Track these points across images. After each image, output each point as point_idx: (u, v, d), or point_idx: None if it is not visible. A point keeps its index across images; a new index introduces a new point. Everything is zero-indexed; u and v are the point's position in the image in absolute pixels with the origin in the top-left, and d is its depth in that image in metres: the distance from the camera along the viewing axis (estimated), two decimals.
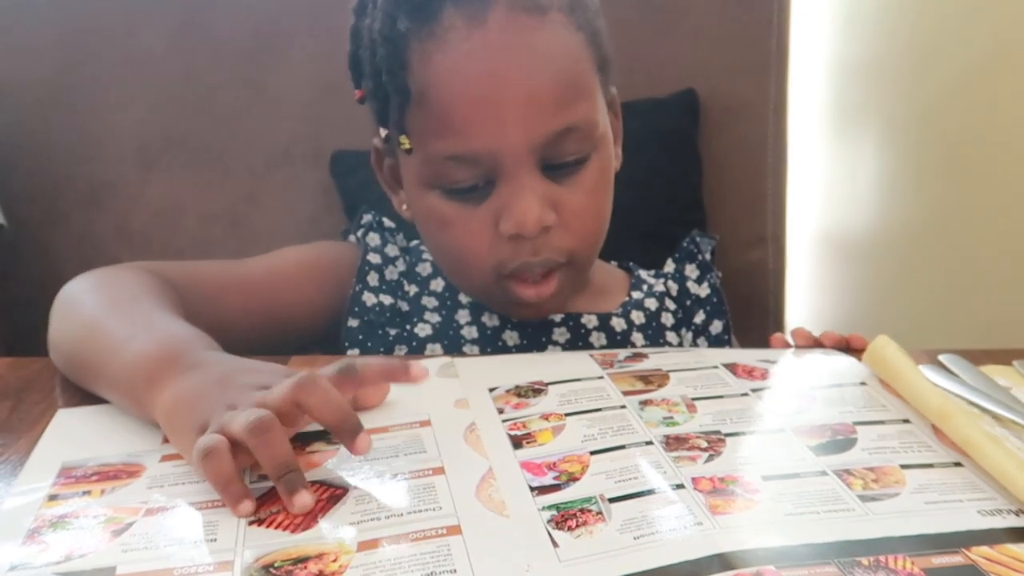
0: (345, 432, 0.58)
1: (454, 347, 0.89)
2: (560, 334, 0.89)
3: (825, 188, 1.56)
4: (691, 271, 0.98)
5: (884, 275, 1.51)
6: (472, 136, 0.76)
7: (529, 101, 0.76)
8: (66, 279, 0.81)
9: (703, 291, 0.96)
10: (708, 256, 0.98)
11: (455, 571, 0.50)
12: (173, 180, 1.25)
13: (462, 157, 0.77)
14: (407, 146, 0.78)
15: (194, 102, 1.23)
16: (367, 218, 0.96)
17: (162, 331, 0.69)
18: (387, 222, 0.96)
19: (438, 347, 0.88)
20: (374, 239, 0.94)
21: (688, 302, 0.96)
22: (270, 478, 0.56)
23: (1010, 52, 1.26)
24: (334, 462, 0.60)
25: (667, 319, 0.94)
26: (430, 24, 0.76)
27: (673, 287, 0.97)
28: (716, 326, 0.95)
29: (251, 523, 0.54)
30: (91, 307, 0.76)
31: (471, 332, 0.89)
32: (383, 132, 0.81)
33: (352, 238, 0.97)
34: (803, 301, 1.56)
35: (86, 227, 1.25)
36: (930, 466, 0.60)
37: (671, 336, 0.93)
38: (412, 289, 0.92)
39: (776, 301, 1.30)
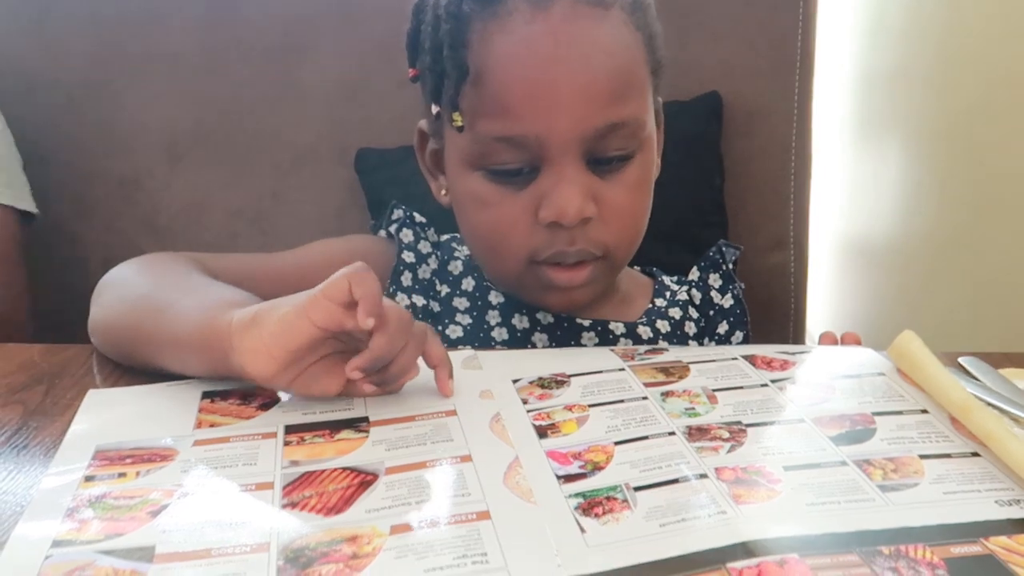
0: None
1: (484, 349, 0.89)
2: (589, 338, 0.89)
3: (848, 194, 1.57)
4: (714, 280, 0.98)
5: (906, 281, 1.52)
6: (523, 119, 0.77)
7: (583, 91, 0.77)
8: (95, 271, 0.83)
9: (726, 302, 0.97)
10: (731, 266, 0.99)
11: (486, 554, 0.51)
12: (199, 175, 1.26)
13: (510, 139, 0.78)
14: (459, 123, 0.78)
15: (221, 98, 1.25)
16: (398, 213, 0.97)
17: (220, 290, 0.73)
18: (418, 217, 0.96)
19: (468, 349, 0.89)
20: (407, 235, 0.94)
21: (711, 312, 0.96)
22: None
23: None
24: (364, 449, 0.62)
25: (690, 328, 0.95)
26: (494, 5, 0.77)
27: (697, 295, 0.97)
28: (738, 337, 0.96)
29: (285, 506, 0.55)
30: (141, 283, 0.79)
31: (501, 334, 0.90)
32: (435, 110, 0.81)
33: (383, 233, 0.97)
34: (824, 306, 1.57)
35: (114, 220, 1.27)
36: (948, 456, 0.61)
37: (693, 345, 0.94)
38: (444, 289, 0.92)
39: (797, 305, 1.30)
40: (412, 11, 0.83)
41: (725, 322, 0.96)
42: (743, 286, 0.98)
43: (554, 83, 0.76)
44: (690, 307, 0.96)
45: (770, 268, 1.27)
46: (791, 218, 1.26)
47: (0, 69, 1.24)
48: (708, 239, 1.03)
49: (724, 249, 0.99)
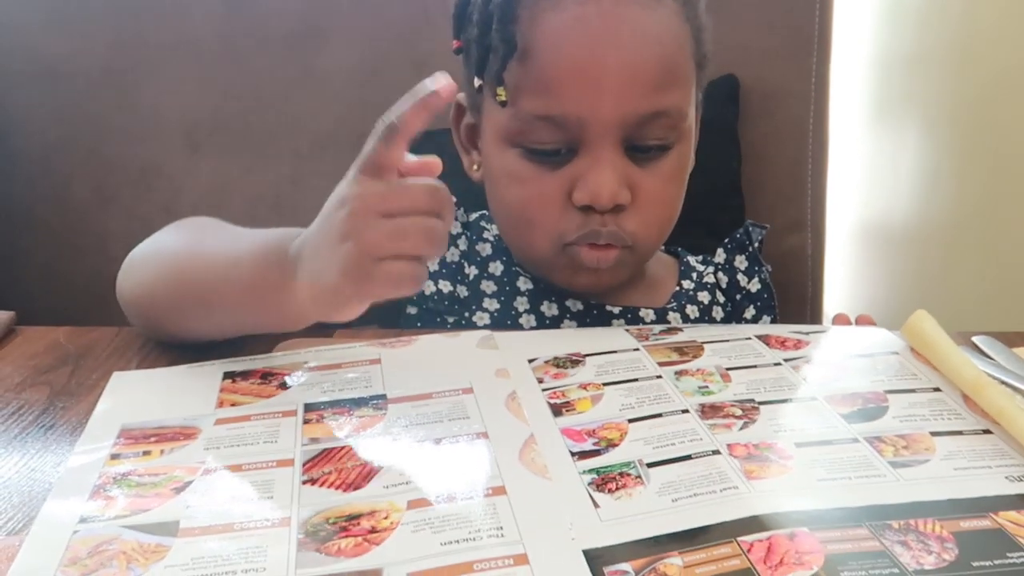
0: (444, 206, 0.63)
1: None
2: (618, 325, 0.89)
3: (866, 177, 1.56)
4: (740, 262, 0.98)
5: (923, 264, 1.52)
6: (566, 99, 0.77)
7: (629, 76, 0.77)
8: (117, 257, 0.82)
9: (753, 286, 0.96)
10: (757, 245, 0.98)
11: (501, 528, 0.52)
12: (219, 162, 1.28)
13: (552, 118, 0.78)
14: (503, 98, 0.78)
15: (240, 86, 1.26)
16: None
17: (260, 243, 0.71)
18: None
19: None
20: None
21: (738, 296, 0.96)
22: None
23: None
24: (383, 426, 0.63)
25: (718, 312, 0.95)
26: None
27: (723, 279, 0.97)
28: (765, 321, 0.96)
29: (304, 482, 0.57)
30: (180, 243, 0.79)
31: (529, 320, 0.89)
32: (477, 83, 0.81)
33: None
34: (842, 288, 1.57)
35: (135, 207, 1.28)
36: (959, 433, 0.61)
37: None
38: (472, 271, 0.91)
39: (814, 288, 1.30)
40: None
41: (752, 307, 0.96)
42: (770, 269, 0.98)
43: (601, 65, 0.77)
44: (717, 291, 0.96)
45: (787, 250, 1.27)
46: (808, 200, 1.26)
47: (22, 57, 1.25)
48: (725, 222, 1.03)
49: (751, 229, 0.99)
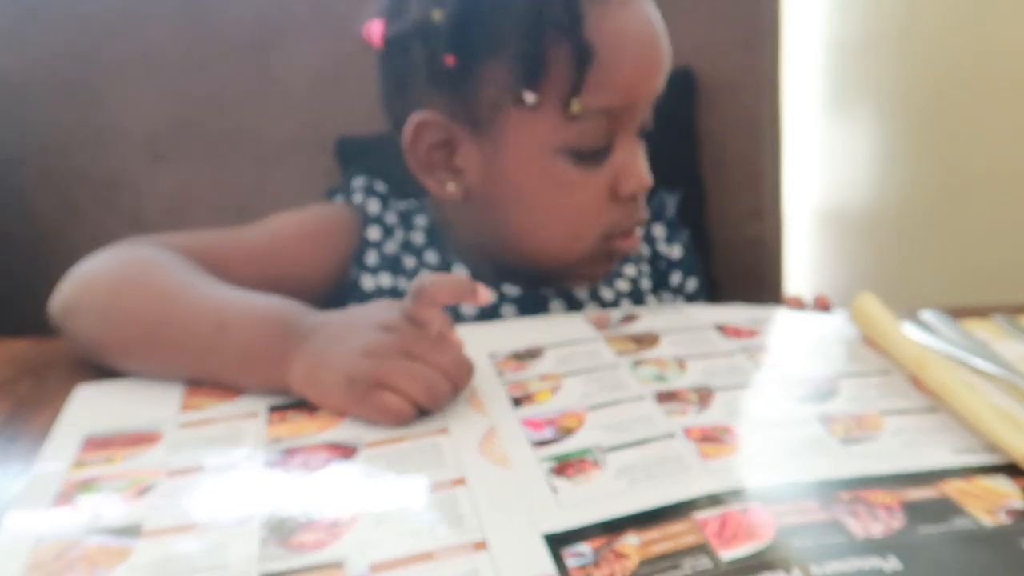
0: (462, 379, 0.67)
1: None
2: (556, 307, 0.90)
3: (823, 162, 1.58)
4: (660, 231, 0.99)
5: (882, 246, 1.54)
6: (631, 93, 0.81)
7: (665, 63, 0.83)
8: None
9: (675, 252, 0.98)
10: (673, 212, 1.00)
11: (461, 517, 0.53)
12: (183, 172, 1.28)
13: (611, 111, 0.80)
14: (577, 107, 0.79)
15: (201, 93, 1.26)
16: (360, 181, 0.95)
17: (257, 309, 0.72)
18: (378, 186, 0.94)
19: None
20: (374, 205, 0.93)
21: (662, 265, 0.98)
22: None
23: (1003, 27, 1.28)
24: (345, 424, 0.64)
25: (645, 284, 0.96)
26: None
27: (646, 249, 0.98)
28: (691, 283, 0.98)
29: (267, 480, 0.57)
30: (138, 292, 0.76)
31: (469, 308, 0.89)
32: (529, 98, 0.79)
33: (340, 199, 0.96)
34: (804, 274, 1.59)
35: (101, 220, 1.28)
36: (907, 411, 0.63)
37: (651, 300, 0.96)
38: (410, 263, 0.92)
39: (775, 274, 1.32)
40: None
41: (677, 273, 0.98)
42: (688, 232, 1.00)
43: (653, 57, 0.82)
44: (643, 262, 0.98)
45: (748, 238, 1.29)
46: (765, 188, 1.28)
47: None
48: (685, 214, 1.04)
49: (664, 198, 1.00)
